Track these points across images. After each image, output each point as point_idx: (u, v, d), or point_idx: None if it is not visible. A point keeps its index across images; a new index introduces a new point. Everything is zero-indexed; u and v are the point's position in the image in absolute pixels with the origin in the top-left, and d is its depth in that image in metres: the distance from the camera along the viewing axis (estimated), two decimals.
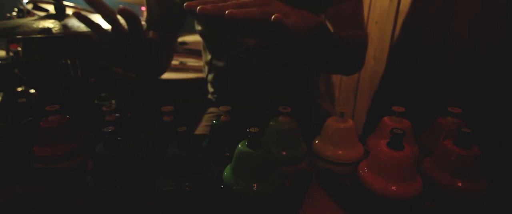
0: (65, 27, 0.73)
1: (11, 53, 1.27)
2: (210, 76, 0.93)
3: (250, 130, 0.40)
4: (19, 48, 1.23)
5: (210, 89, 0.97)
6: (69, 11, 0.86)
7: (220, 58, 0.86)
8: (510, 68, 0.60)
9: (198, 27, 0.84)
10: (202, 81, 1.01)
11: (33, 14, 1.15)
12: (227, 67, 0.85)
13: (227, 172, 0.42)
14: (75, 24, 0.75)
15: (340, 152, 0.49)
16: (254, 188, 0.39)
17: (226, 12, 0.41)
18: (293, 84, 0.88)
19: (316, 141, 0.52)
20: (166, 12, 0.84)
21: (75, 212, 0.41)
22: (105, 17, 0.58)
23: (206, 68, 0.93)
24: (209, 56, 0.89)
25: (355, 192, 0.43)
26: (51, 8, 0.99)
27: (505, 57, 0.61)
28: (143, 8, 1.94)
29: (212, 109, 0.97)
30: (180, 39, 1.54)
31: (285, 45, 0.69)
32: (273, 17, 0.41)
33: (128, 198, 0.42)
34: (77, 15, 0.56)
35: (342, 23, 0.72)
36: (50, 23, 0.74)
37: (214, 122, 0.51)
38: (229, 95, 0.93)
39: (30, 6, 1.22)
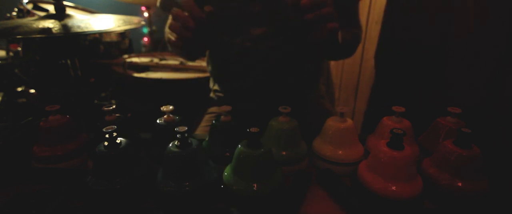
0: (65, 27, 0.73)
1: (11, 53, 1.27)
2: (214, 70, 0.92)
3: (250, 130, 0.40)
4: (19, 48, 1.23)
5: (214, 86, 0.97)
6: (69, 11, 0.86)
7: (226, 46, 0.85)
8: (510, 68, 0.60)
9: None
10: (203, 81, 1.01)
11: (33, 14, 1.15)
12: (233, 56, 0.85)
13: (227, 172, 0.43)
14: (75, 24, 0.75)
15: (340, 152, 0.49)
16: (254, 188, 0.39)
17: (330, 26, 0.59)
18: (294, 78, 0.88)
19: (316, 141, 0.52)
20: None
21: (75, 212, 0.41)
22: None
23: (211, 61, 0.93)
24: None
25: (355, 192, 0.43)
26: (51, 8, 0.99)
27: (505, 57, 0.61)
28: (143, 8, 1.94)
29: (212, 109, 0.97)
30: None
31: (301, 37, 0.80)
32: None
33: (128, 198, 0.42)
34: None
35: (349, 23, 0.84)
36: (50, 23, 0.74)
37: (214, 122, 0.51)
38: (233, 89, 0.92)
39: (30, 6, 1.22)
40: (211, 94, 0.99)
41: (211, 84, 0.99)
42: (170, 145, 0.40)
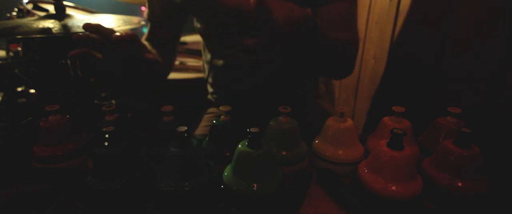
0: (65, 27, 0.73)
1: (11, 53, 1.27)
2: (210, 77, 0.93)
3: (250, 130, 0.40)
4: (19, 48, 1.23)
5: (210, 89, 0.97)
6: (69, 11, 0.86)
7: (219, 57, 0.86)
8: (509, 68, 0.60)
9: (198, 25, 0.85)
10: (202, 81, 1.01)
11: (33, 14, 1.15)
12: (226, 67, 0.86)
13: (227, 172, 0.43)
14: (75, 24, 0.75)
15: (340, 152, 0.49)
16: (254, 188, 0.39)
17: None
18: (292, 83, 0.88)
19: (316, 141, 0.52)
20: (167, 11, 0.85)
21: (75, 212, 0.41)
22: (105, 39, 0.57)
23: (207, 68, 0.93)
24: (208, 56, 0.89)
25: (355, 192, 0.43)
26: (51, 8, 0.99)
27: (504, 57, 0.61)
28: (143, 8, 1.94)
29: (212, 109, 0.97)
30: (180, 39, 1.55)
31: (275, 42, 0.68)
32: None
33: (128, 198, 0.42)
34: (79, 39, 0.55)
35: (334, 24, 0.71)
36: (50, 23, 0.74)
37: (214, 122, 0.51)
38: (229, 95, 0.93)
39: (30, 6, 1.22)
40: (209, 96, 0.99)
41: (209, 89, 0.99)
42: (170, 145, 0.40)
